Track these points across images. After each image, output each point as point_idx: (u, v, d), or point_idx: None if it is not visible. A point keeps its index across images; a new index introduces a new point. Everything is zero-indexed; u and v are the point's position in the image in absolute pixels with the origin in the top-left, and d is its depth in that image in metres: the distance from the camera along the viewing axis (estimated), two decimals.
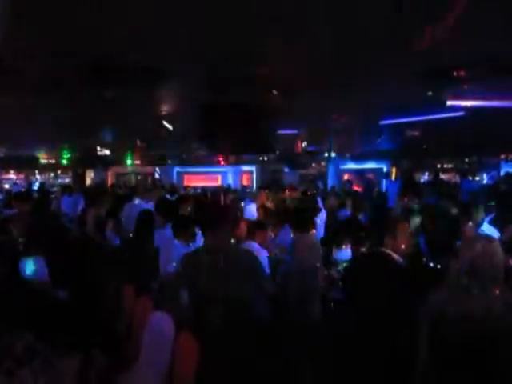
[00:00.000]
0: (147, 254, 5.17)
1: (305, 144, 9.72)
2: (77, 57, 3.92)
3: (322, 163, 18.96)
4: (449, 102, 5.39)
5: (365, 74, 4.61)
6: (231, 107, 4.79)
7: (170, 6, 3.02)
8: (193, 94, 4.91)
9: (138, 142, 9.65)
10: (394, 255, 3.34)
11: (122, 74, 4.03)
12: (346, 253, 5.14)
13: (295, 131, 9.04)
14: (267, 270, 4.42)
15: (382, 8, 3.04)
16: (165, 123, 6.99)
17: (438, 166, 19.17)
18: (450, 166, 18.84)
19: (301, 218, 4.63)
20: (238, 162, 19.06)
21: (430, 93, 5.08)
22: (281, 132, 8.45)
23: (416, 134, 8.05)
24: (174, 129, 7.23)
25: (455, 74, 4.04)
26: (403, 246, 3.39)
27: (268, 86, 4.46)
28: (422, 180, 16.84)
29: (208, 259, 3.43)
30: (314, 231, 4.92)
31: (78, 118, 7.14)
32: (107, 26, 3.37)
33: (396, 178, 15.71)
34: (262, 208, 6.74)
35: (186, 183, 18.62)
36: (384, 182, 15.76)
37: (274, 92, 4.50)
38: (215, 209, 3.91)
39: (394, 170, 16.55)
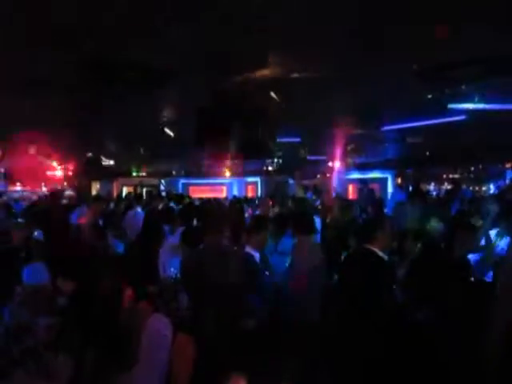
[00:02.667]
0: (147, 259, 5.20)
1: (304, 152, 9.71)
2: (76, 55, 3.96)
3: (328, 175, 18.94)
4: (450, 106, 5.38)
5: (364, 76, 4.60)
6: (228, 110, 4.81)
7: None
8: (191, 97, 4.93)
9: (142, 151, 9.71)
10: (379, 252, 3.43)
11: (124, 76, 4.06)
12: None
13: (297, 139, 9.05)
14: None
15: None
16: (166, 130, 7.03)
17: (444, 176, 19.13)
18: (456, 176, 18.78)
19: (302, 222, 4.64)
20: (243, 174, 19.10)
21: (429, 96, 5.06)
22: (283, 140, 8.49)
23: (418, 140, 8.02)
24: (175, 135, 7.28)
25: (454, 74, 4.02)
26: (388, 243, 3.55)
27: (266, 88, 4.47)
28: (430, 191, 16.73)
29: (207, 259, 3.48)
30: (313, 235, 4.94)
31: (79, 123, 7.21)
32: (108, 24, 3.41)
33: (401, 188, 15.64)
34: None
35: (191, 194, 18.66)
36: (389, 193, 15.69)
37: (273, 95, 4.51)
38: (215, 213, 3.94)
39: (399, 180, 16.43)
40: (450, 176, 19.55)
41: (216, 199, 11.83)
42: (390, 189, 16.12)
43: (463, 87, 4.56)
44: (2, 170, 12.82)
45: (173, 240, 5.41)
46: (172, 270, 4.99)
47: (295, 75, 4.43)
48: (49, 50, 3.88)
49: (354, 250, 4.38)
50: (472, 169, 16.14)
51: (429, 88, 4.91)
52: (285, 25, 3.52)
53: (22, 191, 18.57)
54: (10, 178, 15.48)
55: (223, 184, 20.41)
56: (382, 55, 4.18)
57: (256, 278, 3.72)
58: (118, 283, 4.68)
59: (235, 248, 4.34)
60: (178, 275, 4.75)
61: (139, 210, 8.20)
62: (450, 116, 6.20)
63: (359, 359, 3.17)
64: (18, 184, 18.43)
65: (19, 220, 10.29)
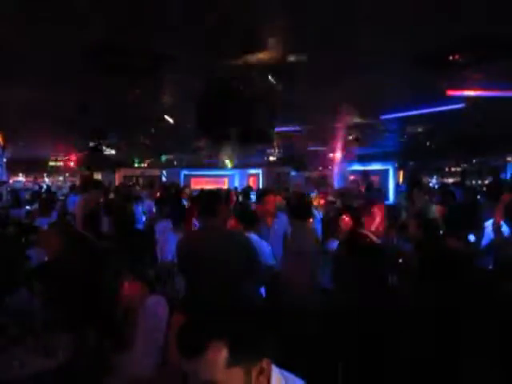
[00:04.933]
0: (144, 244, 5.29)
1: (305, 142, 9.69)
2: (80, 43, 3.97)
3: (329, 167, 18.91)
4: (448, 93, 5.36)
5: (364, 63, 4.59)
6: (227, 95, 4.81)
7: None
8: (191, 83, 4.94)
9: (141, 138, 9.72)
10: (371, 236, 3.47)
11: (124, 61, 4.06)
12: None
13: (297, 128, 9.04)
14: (270, 260, 4.48)
15: None
16: (166, 117, 7.04)
17: (446, 169, 19.06)
18: (458, 169, 18.71)
19: (300, 207, 4.66)
20: (245, 165, 19.11)
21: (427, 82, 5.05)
22: (282, 129, 8.50)
23: (418, 130, 8.00)
24: (174, 122, 7.29)
25: (451, 58, 4.00)
26: (379, 227, 3.55)
27: (266, 72, 4.47)
28: (430, 184, 16.68)
29: (203, 239, 3.53)
30: (311, 220, 4.98)
31: (79, 111, 7.23)
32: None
33: (403, 181, 15.59)
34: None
35: (192, 186, 18.67)
36: (390, 185, 15.66)
37: (271, 79, 4.51)
38: (210, 195, 3.97)
39: (401, 173, 16.37)
40: (453, 169, 19.49)
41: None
42: (391, 181, 16.08)
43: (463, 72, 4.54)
44: (4, 160, 12.88)
45: (167, 224, 5.56)
46: (169, 254, 5.10)
47: (294, 60, 4.43)
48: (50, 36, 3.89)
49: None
50: (473, 161, 16.06)
51: (428, 74, 4.90)
52: (285, 8, 3.53)
53: (24, 181, 18.71)
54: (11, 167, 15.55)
55: (225, 175, 20.39)
56: (380, 41, 4.17)
57: (253, 260, 3.75)
58: (116, 267, 4.77)
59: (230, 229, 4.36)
60: (175, 258, 4.84)
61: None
62: (449, 104, 6.18)
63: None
64: (20, 174, 18.58)
65: (27, 208, 10.43)
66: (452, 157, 14.73)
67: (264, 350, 1.32)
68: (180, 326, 1.28)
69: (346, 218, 5.02)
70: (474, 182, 17.34)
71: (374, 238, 3.52)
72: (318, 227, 6.17)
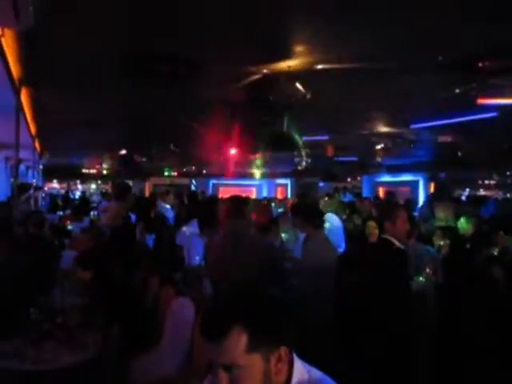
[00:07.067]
0: (172, 248, 5.43)
1: (332, 150, 9.68)
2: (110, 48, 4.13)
3: (358, 178, 18.78)
4: (479, 101, 5.27)
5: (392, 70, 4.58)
6: (255, 103, 4.89)
7: None
8: (219, 91, 5.05)
9: (172, 147, 9.93)
10: (395, 241, 3.44)
11: (154, 68, 4.20)
12: None
13: (325, 137, 9.05)
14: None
15: None
16: (195, 125, 7.19)
17: (479, 181, 18.58)
18: (492, 182, 18.22)
19: (313, 215, 4.52)
20: (273, 175, 19.19)
21: (457, 90, 4.99)
22: (310, 138, 8.51)
23: (449, 140, 7.88)
24: (204, 131, 7.42)
25: (481, 65, 3.95)
26: (402, 232, 3.55)
27: (294, 80, 4.53)
28: (462, 197, 16.26)
29: (227, 243, 3.60)
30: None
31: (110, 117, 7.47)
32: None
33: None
34: None
35: (220, 195, 18.87)
36: (420, 196, 15.39)
37: (298, 86, 4.57)
38: (236, 200, 4.04)
39: (431, 184, 16.04)
40: (486, 182, 18.99)
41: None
42: (421, 192, 15.81)
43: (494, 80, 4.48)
44: (41, 167, 13.38)
45: (193, 229, 5.67)
46: (197, 258, 5.21)
47: (322, 67, 4.47)
48: (86, 43, 4.07)
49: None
50: (508, 173, 15.60)
51: (457, 82, 4.85)
52: (312, 17, 3.58)
53: (59, 188, 19.34)
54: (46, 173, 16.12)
55: (253, 185, 20.54)
56: (407, 48, 4.16)
57: (276, 265, 3.80)
58: (146, 270, 4.91)
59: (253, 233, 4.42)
60: (202, 262, 4.93)
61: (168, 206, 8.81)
62: (481, 113, 6.08)
63: None
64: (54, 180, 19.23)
65: (60, 213, 10.83)
66: (484, 168, 14.35)
67: (283, 338, 1.37)
68: (205, 309, 1.35)
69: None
70: (508, 194, 16.84)
71: (397, 243, 3.51)
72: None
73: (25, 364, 3.02)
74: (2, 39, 3.61)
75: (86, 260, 4.30)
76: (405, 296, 3.37)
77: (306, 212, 4.43)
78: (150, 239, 6.84)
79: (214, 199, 8.94)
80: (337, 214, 6.65)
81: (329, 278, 3.99)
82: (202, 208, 6.35)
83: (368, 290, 3.42)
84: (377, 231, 5.01)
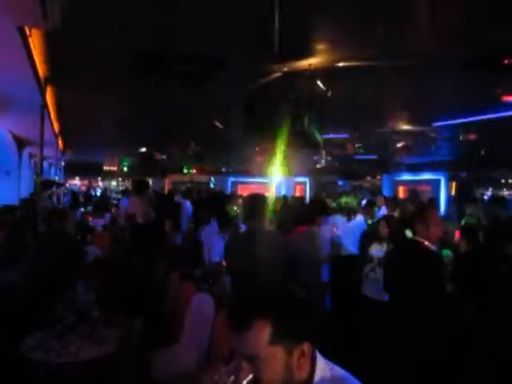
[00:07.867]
0: (192, 245, 5.52)
1: (355, 146, 9.60)
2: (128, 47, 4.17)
3: (378, 177, 18.60)
4: (504, 98, 5.17)
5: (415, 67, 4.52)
6: (276, 100, 4.90)
7: None
8: (239, 88, 5.06)
9: (193, 145, 10.00)
10: (427, 242, 3.38)
11: (174, 67, 4.24)
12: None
13: (346, 135, 8.99)
14: None
15: None
16: (216, 123, 7.22)
17: (503, 180, 18.15)
18: None
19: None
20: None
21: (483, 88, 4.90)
22: (330, 136, 8.48)
23: (471, 137, 7.74)
24: (224, 128, 7.46)
25: (507, 62, 3.88)
26: (435, 236, 3.46)
27: (315, 77, 4.52)
28: (485, 196, 15.95)
29: (247, 240, 3.63)
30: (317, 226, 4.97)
31: (132, 117, 7.55)
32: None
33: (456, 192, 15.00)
34: None
35: (239, 192, 18.92)
36: (441, 196, 15.16)
37: (319, 83, 4.56)
38: (254, 199, 4.06)
39: (453, 184, 15.77)
40: (510, 181, 18.55)
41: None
42: (442, 191, 15.58)
43: None
44: (63, 164, 13.65)
45: (213, 228, 5.74)
46: (217, 256, 5.26)
47: (343, 65, 4.45)
48: (109, 43, 4.13)
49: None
50: None
51: (482, 79, 4.76)
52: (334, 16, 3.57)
53: (80, 185, 19.67)
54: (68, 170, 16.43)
55: (271, 183, 20.48)
56: (432, 45, 4.11)
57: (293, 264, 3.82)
58: (167, 267, 4.99)
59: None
60: (223, 260, 4.97)
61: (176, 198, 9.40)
62: (505, 110, 5.95)
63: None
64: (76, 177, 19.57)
65: (81, 209, 11.05)
66: (508, 167, 14.03)
67: (306, 333, 1.38)
68: (231, 301, 1.38)
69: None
70: None
71: (429, 244, 3.45)
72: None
73: (49, 356, 3.10)
74: (30, 39, 3.69)
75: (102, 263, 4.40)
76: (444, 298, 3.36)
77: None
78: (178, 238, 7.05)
79: (222, 196, 9.15)
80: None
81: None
82: (220, 207, 6.40)
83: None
84: (386, 230, 5.01)
